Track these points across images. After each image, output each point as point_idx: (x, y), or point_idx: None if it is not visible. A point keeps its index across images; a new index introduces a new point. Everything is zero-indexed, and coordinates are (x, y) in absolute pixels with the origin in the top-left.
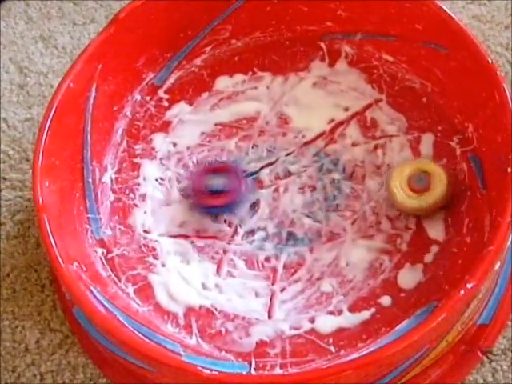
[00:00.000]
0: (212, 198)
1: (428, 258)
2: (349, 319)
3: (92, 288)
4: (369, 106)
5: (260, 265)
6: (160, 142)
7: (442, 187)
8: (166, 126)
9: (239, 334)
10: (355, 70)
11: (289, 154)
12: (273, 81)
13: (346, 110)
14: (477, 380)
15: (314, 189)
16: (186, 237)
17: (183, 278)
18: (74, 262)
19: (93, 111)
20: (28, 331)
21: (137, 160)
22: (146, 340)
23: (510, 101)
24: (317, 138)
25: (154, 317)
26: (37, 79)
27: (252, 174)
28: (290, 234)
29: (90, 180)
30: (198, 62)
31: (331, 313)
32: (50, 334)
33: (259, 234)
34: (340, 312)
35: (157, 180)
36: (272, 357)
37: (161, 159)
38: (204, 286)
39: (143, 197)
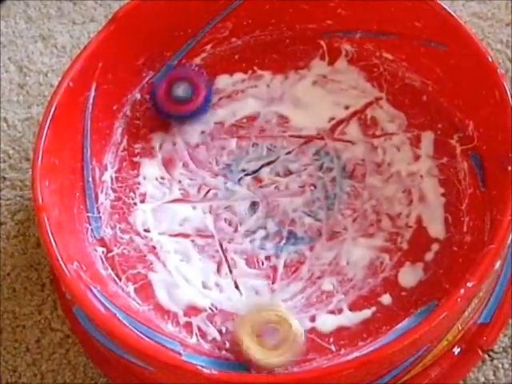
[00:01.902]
0: (176, 105)
1: (428, 256)
2: (349, 318)
3: (92, 287)
4: (369, 105)
5: (260, 264)
6: (160, 140)
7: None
8: (165, 125)
9: None
10: (355, 69)
11: (289, 153)
12: (273, 79)
13: (346, 108)
14: (478, 378)
15: (314, 187)
16: (186, 236)
17: (183, 277)
18: (74, 262)
19: (92, 110)
20: (28, 330)
21: (137, 159)
22: (146, 339)
23: (510, 99)
24: (317, 136)
25: (154, 316)
26: (36, 78)
27: (253, 172)
28: (291, 233)
29: (90, 179)
30: (197, 60)
31: (332, 312)
32: (51, 334)
33: (259, 233)
34: (340, 311)
35: (157, 179)
36: None
37: (161, 158)
38: (204, 285)
39: (143, 196)
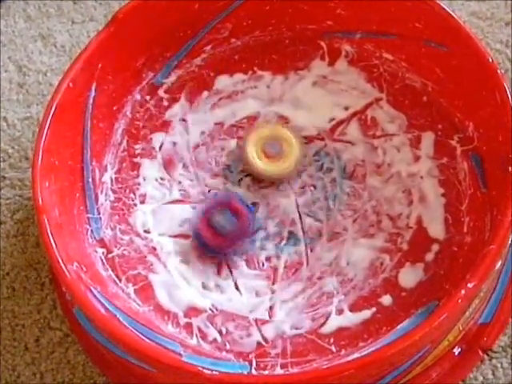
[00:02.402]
0: (216, 238)
1: (429, 257)
2: (350, 319)
3: (92, 288)
4: (369, 105)
5: (261, 264)
6: (160, 141)
7: (294, 154)
8: (165, 126)
9: (240, 334)
10: (355, 69)
11: None
12: (273, 80)
13: (346, 108)
14: (477, 377)
15: (314, 188)
16: (186, 237)
17: (184, 277)
18: (74, 263)
19: (92, 111)
20: (28, 330)
21: (137, 160)
22: (147, 340)
23: (510, 99)
24: (317, 137)
25: (154, 317)
26: (36, 78)
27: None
28: (291, 234)
29: (90, 180)
30: (197, 61)
31: (332, 312)
32: (50, 333)
33: (259, 234)
34: (341, 311)
35: (157, 180)
36: (273, 357)
37: (161, 159)
38: (204, 286)
39: (143, 196)
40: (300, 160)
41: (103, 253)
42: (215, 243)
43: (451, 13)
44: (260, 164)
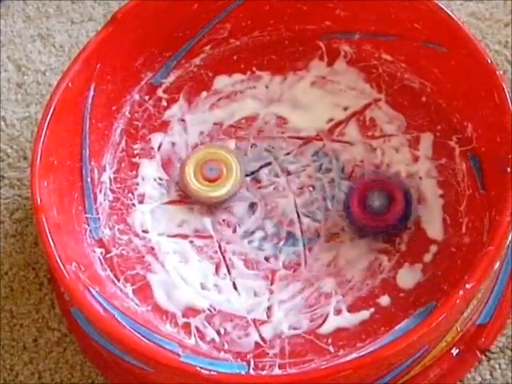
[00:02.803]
0: (372, 219)
1: (427, 257)
2: (348, 319)
3: (90, 288)
4: (368, 106)
5: (259, 264)
6: (159, 141)
7: (234, 178)
8: (164, 126)
9: (238, 334)
10: (354, 70)
11: (287, 154)
12: (271, 80)
13: (345, 109)
14: (475, 378)
15: (313, 188)
16: (184, 236)
17: (182, 277)
18: (73, 262)
19: (91, 111)
20: (26, 329)
21: (135, 160)
22: (145, 340)
23: (509, 100)
24: (315, 137)
25: (152, 317)
26: (35, 77)
27: (251, 173)
28: (289, 234)
29: (89, 180)
30: (196, 61)
31: (330, 313)
32: (48, 333)
33: (258, 234)
34: (339, 312)
35: (155, 180)
36: (271, 357)
37: (160, 159)
38: (203, 286)
39: (142, 196)
40: (239, 182)
41: (102, 253)
42: (363, 220)
43: (450, 13)
44: (197, 186)
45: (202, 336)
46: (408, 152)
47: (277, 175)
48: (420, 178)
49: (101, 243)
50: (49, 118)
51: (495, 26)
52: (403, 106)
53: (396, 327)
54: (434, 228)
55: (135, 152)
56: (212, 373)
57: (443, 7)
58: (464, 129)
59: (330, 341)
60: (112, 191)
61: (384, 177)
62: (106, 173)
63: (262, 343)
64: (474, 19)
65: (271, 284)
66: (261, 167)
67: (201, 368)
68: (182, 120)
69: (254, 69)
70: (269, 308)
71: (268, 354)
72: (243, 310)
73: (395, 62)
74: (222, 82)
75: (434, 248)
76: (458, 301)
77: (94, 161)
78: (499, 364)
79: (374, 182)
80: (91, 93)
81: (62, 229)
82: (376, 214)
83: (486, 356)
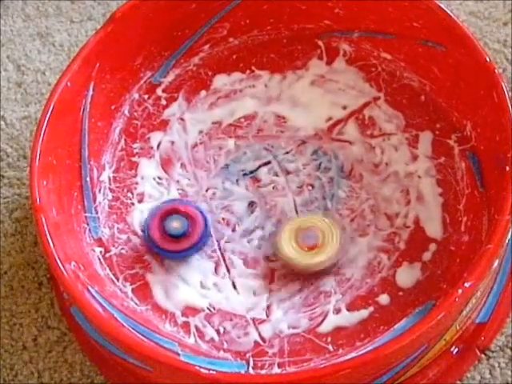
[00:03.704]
0: (170, 243)
1: (426, 256)
2: (347, 318)
3: (90, 287)
4: (367, 104)
5: (258, 264)
6: (158, 140)
7: (333, 245)
8: (163, 125)
9: (237, 333)
10: (353, 68)
11: (287, 153)
12: (271, 79)
13: (344, 108)
14: (474, 377)
15: (312, 187)
16: None
17: (181, 277)
18: (72, 262)
19: (90, 110)
20: (25, 329)
21: (135, 159)
22: (144, 339)
23: (508, 99)
24: (315, 136)
25: (152, 316)
26: (34, 77)
27: (250, 172)
28: None
29: (88, 179)
30: (195, 60)
31: (329, 311)
32: (48, 332)
33: (257, 233)
34: (338, 311)
35: (154, 179)
36: (270, 356)
37: (159, 158)
38: (202, 285)
39: (141, 196)
40: (338, 251)
41: (101, 252)
42: (166, 246)
43: (449, 12)
44: (294, 255)
45: (201, 335)
46: (407, 151)
47: (276, 174)
48: (419, 176)
49: (100, 242)
50: (48, 117)
51: (494, 24)
52: (402, 104)
53: (395, 326)
54: (433, 227)
55: (134, 151)
56: (211, 372)
57: (442, 6)
58: (463, 127)
59: (329, 340)
60: (111, 190)
61: (183, 202)
62: (105, 172)
63: (261, 342)
64: (473, 18)
65: (270, 283)
66: (260, 166)
67: (200, 367)
68: (182, 119)
69: (253, 68)
70: (268, 307)
71: (267, 353)
72: (242, 309)
73: (394, 60)
74: (221, 80)
75: (433, 247)
76: (457, 299)
77: (94, 160)
78: (498, 363)
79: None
80: (90, 92)
81: (62, 228)
82: (174, 238)
83: (485, 355)
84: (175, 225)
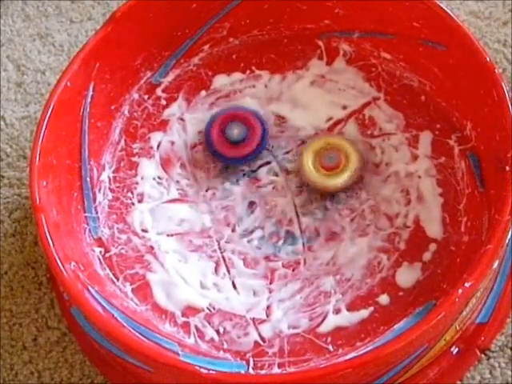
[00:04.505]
0: (233, 149)
1: (426, 256)
2: (347, 318)
3: (90, 287)
4: (367, 105)
5: (258, 264)
6: (158, 140)
7: (353, 165)
8: (163, 125)
9: (237, 333)
10: (353, 69)
11: (287, 153)
12: (270, 79)
13: (344, 108)
14: (474, 377)
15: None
16: (183, 236)
17: (181, 276)
18: (72, 262)
19: (90, 110)
20: (25, 329)
21: (135, 159)
22: (144, 339)
23: (508, 99)
24: (315, 136)
25: (151, 316)
26: (34, 77)
27: (250, 172)
28: (288, 233)
29: (88, 179)
30: (195, 60)
31: (329, 312)
32: (48, 332)
33: (257, 233)
34: (338, 311)
35: (154, 179)
36: (270, 356)
37: (159, 158)
38: (202, 285)
39: (141, 196)
40: (357, 172)
41: (101, 252)
42: (225, 151)
43: (449, 12)
44: (316, 176)
45: (201, 335)
46: (407, 151)
47: (276, 174)
48: (419, 176)
49: (100, 242)
50: (48, 117)
51: (494, 24)
52: (402, 104)
53: (395, 326)
54: (434, 227)
55: (134, 151)
56: (211, 372)
57: (442, 6)
58: (463, 127)
59: (329, 340)
60: (111, 190)
61: (242, 108)
62: (105, 172)
63: (261, 342)
64: (473, 18)
65: (270, 283)
66: (260, 166)
67: (200, 367)
68: (181, 119)
69: (253, 68)
70: (268, 307)
71: (267, 353)
72: (242, 309)
73: (394, 60)
74: (221, 81)
75: (433, 247)
76: (457, 299)
77: (94, 160)
78: (499, 363)
79: (233, 114)
80: (90, 92)
81: (62, 228)
82: (235, 144)
83: (485, 355)
84: (236, 131)
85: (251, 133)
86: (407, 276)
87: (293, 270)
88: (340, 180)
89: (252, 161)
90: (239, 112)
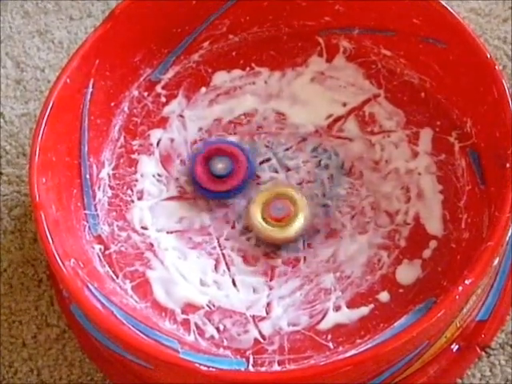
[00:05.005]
0: (217, 183)
1: (426, 253)
2: (347, 315)
3: (89, 285)
4: (367, 101)
5: (258, 261)
6: (157, 137)
7: (303, 215)
8: (163, 122)
9: (237, 331)
10: (353, 65)
11: (287, 150)
12: (270, 76)
13: (344, 105)
14: (474, 374)
15: (312, 184)
16: (183, 233)
17: (181, 274)
18: (72, 259)
19: (90, 107)
20: (25, 326)
21: (134, 156)
22: (144, 337)
23: (508, 95)
24: (315, 133)
25: (151, 313)
26: (33, 74)
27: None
28: None
29: (88, 176)
30: (195, 57)
31: (329, 309)
32: (47, 329)
33: None
34: (338, 308)
35: (154, 176)
36: (270, 353)
37: (158, 155)
38: (202, 283)
39: (141, 193)
40: (308, 222)
41: (100, 249)
42: (212, 187)
43: (449, 9)
44: (265, 228)
45: (201, 332)
46: (407, 148)
47: (276, 171)
48: (419, 173)
49: (100, 240)
50: (47, 114)
51: (494, 21)
52: (402, 101)
53: (395, 323)
54: (434, 224)
55: (134, 148)
56: (211, 369)
57: (443, 3)
58: (463, 124)
59: (329, 337)
60: (111, 188)
61: (225, 142)
62: (104, 169)
63: (261, 340)
64: (474, 15)
65: (270, 280)
66: (260, 163)
67: (200, 364)
68: (181, 116)
69: (253, 65)
70: (268, 304)
71: (267, 350)
72: (242, 306)
73: (394, 57)
74: (220, 77)
75: (433, 244)
76: (457, 297)
77: (93, 157)
78: (499, 360)
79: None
80: (90, 89)
81: (61, 225)
82: (219, 178)
83: (485, 352)
84: (220, 166)
85: (237, 166)
86: (407, 273)
87: (293, 267)
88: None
89: (239, 193)
90: (223, 146)
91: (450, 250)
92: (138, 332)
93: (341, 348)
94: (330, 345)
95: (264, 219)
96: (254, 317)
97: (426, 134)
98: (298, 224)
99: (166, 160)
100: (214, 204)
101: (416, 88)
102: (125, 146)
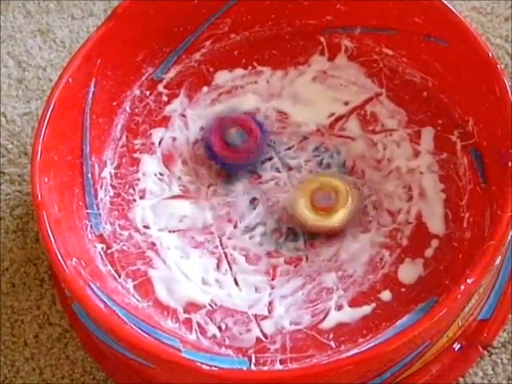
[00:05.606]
0: (233, 154)
1: (428, 252)
2: (349, 314)
3: (91, 284)
4: (369, 100)
5: (260, 260)
6: (159, 136)
7: (348, 206)
8: (165, 121)
9: (239, 330)
10: (355, 64)
11: (288, 149)
12: (272, 75)
13: (346, 104)
14: (477, 373)
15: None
16: (185, 232)
17: (183, 273)
18: (74, 258)
19: (92, 106)
20: (27, 325)
21: (136, 155)
22: (146, 336)
23: (510, 94)
24: (316, 132)
25: (153, 312)
26: (35, 73)
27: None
28: (290, 229)
29: (90, 175)
30: (197, 56)
31: (332, 308)
32: (49, 328)
33: (259, 229)
34: (340, 307)
35: (156, 175)
36: (272, 352)
37: (160, 154)
38: (204, 281)
39: (143, 192)
40: (354, 211)
41: (102, 248)
42: (225, 155)
43: (451, 8)
44: (311, 217)
45: (203, 331)
46: (409, 146)
47: (278, 170)
48: (421, 172)
49: (101, 239)
50: (49, 113)
51: (496, 20)
52: (404, 100)
53: (397, 322)
54: (436, 223)
55: (136, 147)
56: (213, 368)
57: (444, 2)
58: (465, 123)
59: (331, 336)
60: (113, 187)
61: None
62: (106, 168)
63: (263, 338)
64: (476, 13)
65: (272, 279)
66: (262, 162)
67: (202, 363)
68: (183, 115)
69: (255, 64)
70: (270, 303)
71: (269, 349)
72: (244, 305)
73: (396, 56)
74: (222, 77)
75: (435, 243)
76: (459, 296)
77: (95, 156)
78: (501, 359)
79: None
80: (92, 88)
81: (63, 224)
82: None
83: (487, 351)
84: (235, 136)
85: (251, 136)
86: (409, 272)
87: (295, 267)
88: (336, 219)
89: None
90: (238, 116)
91: (452, 249)
92: (139, 331)
93: (343, 347)
94: (332, 344)
95: (308, 209)
96: (256, 316)
97: (428, 133)
98: (342, 214)
99: (167, 159)
100: (217, 203)
101: (418, 87)
102: (127, 145)
